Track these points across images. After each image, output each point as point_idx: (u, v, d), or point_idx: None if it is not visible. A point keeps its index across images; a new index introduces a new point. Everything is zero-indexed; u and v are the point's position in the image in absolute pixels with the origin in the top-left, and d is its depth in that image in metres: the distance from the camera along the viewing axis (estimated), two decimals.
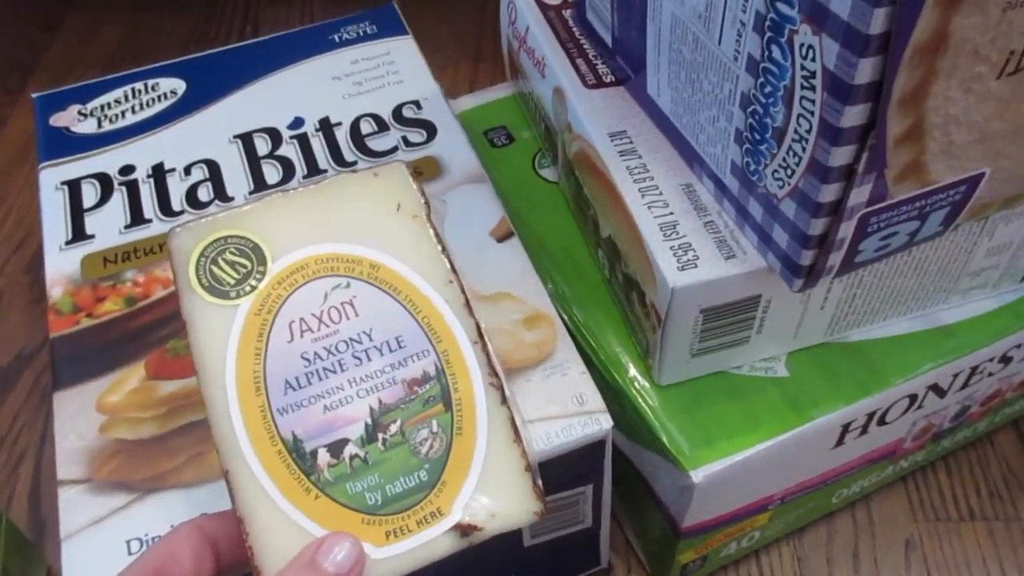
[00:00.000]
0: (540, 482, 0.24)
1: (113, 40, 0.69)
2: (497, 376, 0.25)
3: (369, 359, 0.25)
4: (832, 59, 0.22)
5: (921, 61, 0.22)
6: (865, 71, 0.22)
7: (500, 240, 0.34)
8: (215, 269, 0.25)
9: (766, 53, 0.25)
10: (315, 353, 0.24)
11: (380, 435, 0.24)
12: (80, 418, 0.29)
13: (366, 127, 0.38)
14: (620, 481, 0.35)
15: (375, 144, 0.38)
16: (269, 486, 0.23)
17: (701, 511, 0.33)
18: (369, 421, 0.24)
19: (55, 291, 0.33)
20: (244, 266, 0.25)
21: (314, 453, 0.23)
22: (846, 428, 0.33)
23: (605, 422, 0.29)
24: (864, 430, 0.34)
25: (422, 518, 0.23)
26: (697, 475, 0.31)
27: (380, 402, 0.24)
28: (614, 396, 0.34)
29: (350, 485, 0.23)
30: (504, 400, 0.24)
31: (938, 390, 0.35)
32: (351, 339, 0.25)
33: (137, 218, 0.35)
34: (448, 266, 0.26)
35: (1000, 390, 0.38)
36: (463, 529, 0.23)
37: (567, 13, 0.39)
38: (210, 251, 0.25)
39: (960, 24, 0.21)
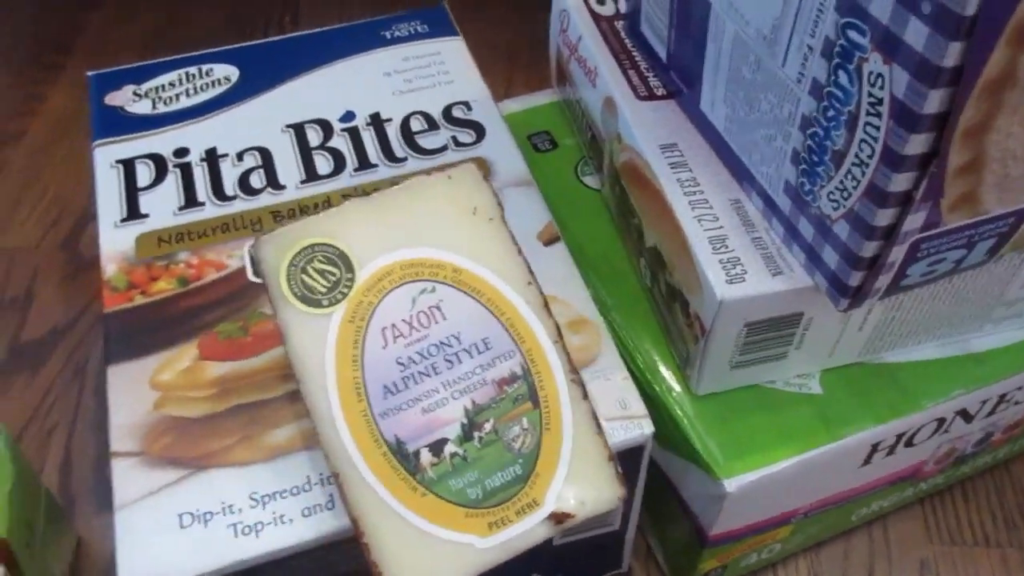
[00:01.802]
0: (620, 469, 0.25)
1: (151, 21, 0.69)
2: (576, 373, 0.26)
3: (460, 361, 0.26)
4: (902, 88, 0.23)
5: (988, 96, 0.22)
6: (934, 102, 0.22)
7: (547, 244, 0.35)
8: (305, 278, 0.26)
9: (832, 78, 0.25)
10: (409, 358, 0.26)
11: (476, 433, 0.25)
12: (134, 393, 0.30)
13: (416, 124, 0.39)
14: (648, 487, 0.35)
15: (425, 142, 0.38)
16: (378, 487, 0.24)
17: (729, 520, 0.34)
18: (465, 421, 0.25)
19: (109, 267, 0.34)
20: (333, 274, 0.26)
21: (417, 454, 0.25)
22: (875, 447, 0.34)
23: (647, 427, 0.30)
24: (891, 451, 0.35)
25: (520, 508, 0.25)
26: (730, 484, 0.32)
27: (473, 402, 0.25)
28: (650, 403, 0.34)
29: (453, 482, 0.24)
30: (585, 395, 0.26)
31: (966, 415, 0.35)
32: (441, 343, 0.26)
33: (191, 200, 0.36)
34: (526, 268, 0.27)
35: (1023, 419, 0.39)
36: (558, 518, 0.25)
37: (619, 24, 0.40)
38: (299, 260, 0.26)
39: None
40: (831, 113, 0.26)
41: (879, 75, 0.24)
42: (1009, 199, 0.26)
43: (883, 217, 0.25)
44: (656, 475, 0.36)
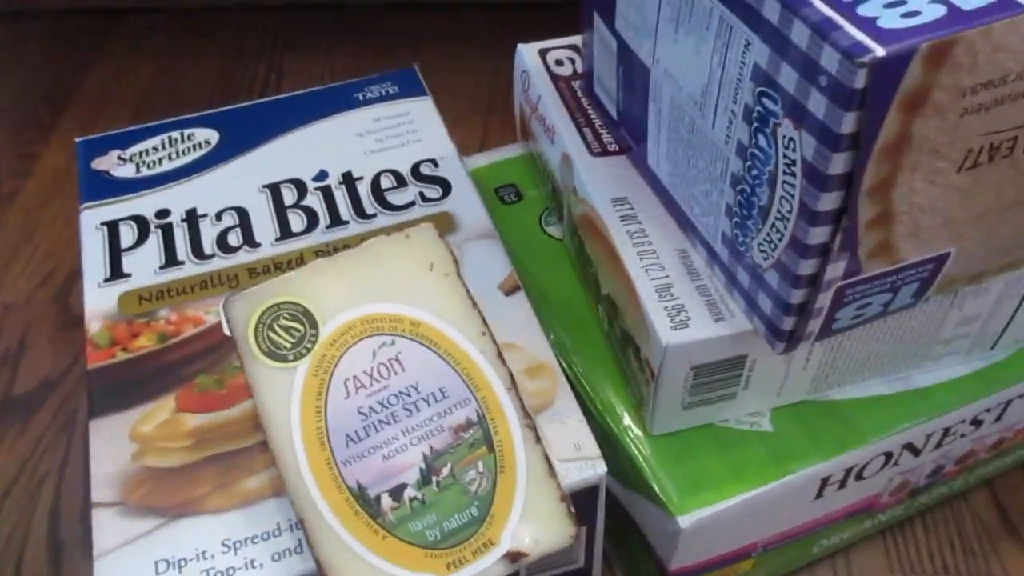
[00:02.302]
0: (573, 508, 0.27)
1: (143, 81, 0.72)
2: (530, 418, 0.28)
3: (418, 410, 0.27)
4: (810, 151, 0.25)
5: (887, 157, 0.25)
6: (838, 164, 0.24)
7: (508, 294, 0.36)
8: (272, 335, 0.28)
9: (753, 140, 0.28)
10: (370, 407, 0.27)
11: (434, 478, 0.27)
12: (114, 445, 0.32)
13: (386, 182, 0.41)
14: (612, 524, 0.37)
15: (394, 198, 0.40)
16: (341, 531, 0.26)
17: (687, 555, 0.35)
18: (423, 466, 0.27)
19: (93, 325, 0.36)
20: (298, 330, 0.28)
21: (378, 498, 0.26)
22: (825, 482, 0.36)
23: (600, 468, 0.31)
24: (842, 484, 0.37)
25: (476, 548, 0.26)
26: (684, 521, 0.33)
27: (431, 448, 0.27)
28: (609, 444, 0.36)
29: (412, 524, 0.26)
30: (538, 439, 0.27)
31: (913, 449, 0.37)
32: (401, 392, 0.28)
33: (171, 259, 0.38)
34: (480, 319, 0.29)
35: (974, 450, 0.41)
36: (513, 556, 0.26)
37: (576, 84, 0.42)
38: (266, 317, 0.28)
39: (920, 126, 0.24)
40: (755, 172, 0.28)
41: (791, 139, 0.26)
42: (924, 247, 0.28)
43: (806, 267, 0.27)
44: (620, 512, 0.38)
